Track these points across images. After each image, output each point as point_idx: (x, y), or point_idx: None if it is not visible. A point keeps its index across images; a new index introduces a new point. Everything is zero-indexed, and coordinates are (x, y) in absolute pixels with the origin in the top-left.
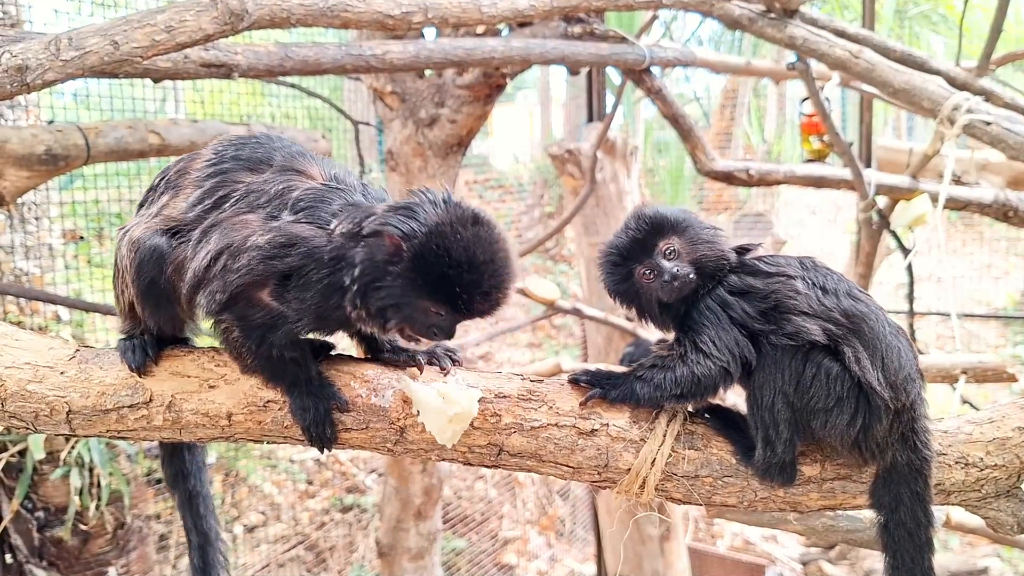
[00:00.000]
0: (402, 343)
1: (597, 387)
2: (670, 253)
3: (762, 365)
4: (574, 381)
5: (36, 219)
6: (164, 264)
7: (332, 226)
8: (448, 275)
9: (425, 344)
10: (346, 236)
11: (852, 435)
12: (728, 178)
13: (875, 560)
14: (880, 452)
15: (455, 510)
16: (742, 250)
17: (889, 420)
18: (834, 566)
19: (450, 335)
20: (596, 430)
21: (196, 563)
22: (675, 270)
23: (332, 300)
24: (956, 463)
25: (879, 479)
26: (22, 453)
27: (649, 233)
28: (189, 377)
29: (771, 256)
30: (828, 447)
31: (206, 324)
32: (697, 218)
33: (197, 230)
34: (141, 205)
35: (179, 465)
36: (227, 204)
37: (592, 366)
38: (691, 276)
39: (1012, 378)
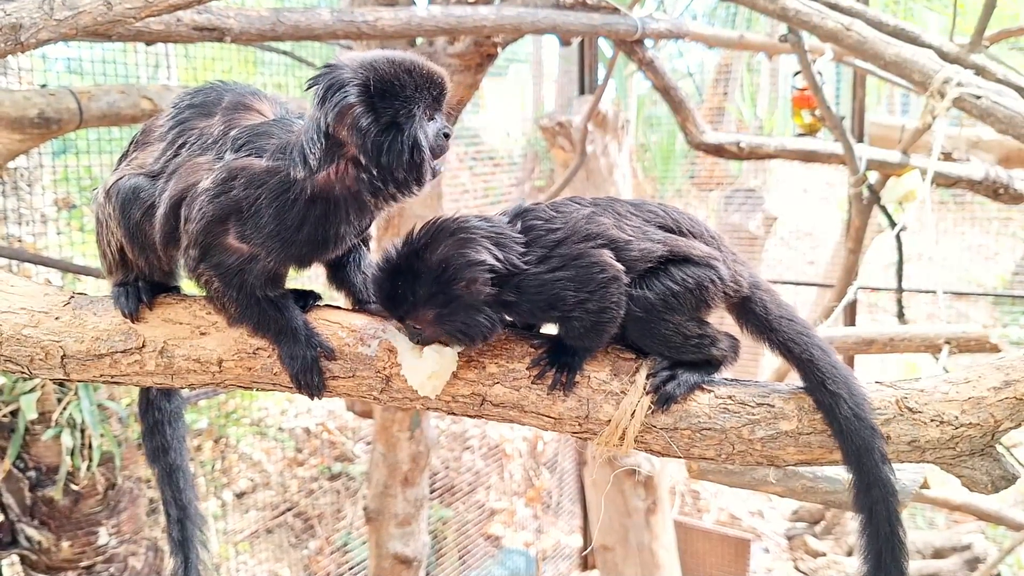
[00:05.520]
0: None
1: (555, 369)
2: (415, 330)
3: (637, 326)
4: (538, 375)
5: (29, 186)
6: (143, 203)
7: (290, 150)
8: (414, 79)
9: None
10: (315, 147)
11: (720, 290)
12: (719, 151)
13: None
14: (736, 283)
15: (442, 480)
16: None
17: (722, 259)
18: (819, 540)
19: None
20: (577, 382)
21: (175, 536)
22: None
23: (287, 218)
24: (931, 421)
25: (740, 312)
26: (14, 413)
27: (393, 304)
28: (181, 324)
29: (555, 208)
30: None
31: (189, 281)
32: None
33: (162, 179)
34: (116, 170)
35: (160, 439)
36: (183, 151)
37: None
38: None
39: (995, 348)
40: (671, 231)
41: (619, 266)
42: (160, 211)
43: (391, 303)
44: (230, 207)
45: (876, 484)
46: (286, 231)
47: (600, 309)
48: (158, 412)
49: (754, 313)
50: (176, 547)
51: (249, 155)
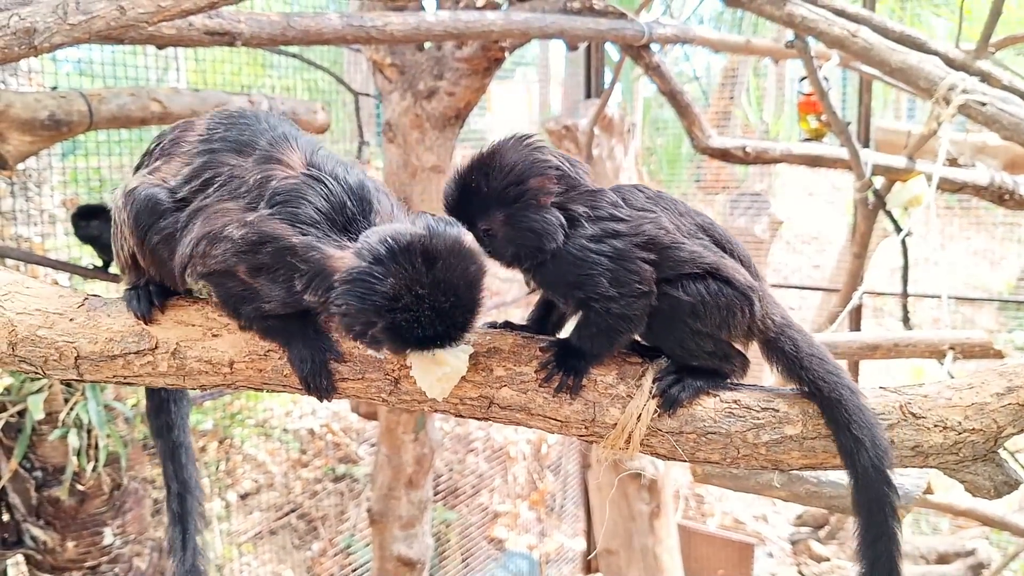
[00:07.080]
0: None
1: (562, 373)
2: (487, 235)
3: (658, 321)
4: (545, 378)
5: (37, 186)
6: (159, 217)
7: (296, 283)
8: (423, 335)
9: None
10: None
11: (746, 324)
12: (725, 155)
13: None
14: (764, 324)
15: (446, 482)
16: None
17: (759, 296)
18: (823, 545)
19: None
20: (584, 385)
21: (175, 509)
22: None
23: (293, 299)
24: (935, 426)
25: (770, 349)
26: (21, 413)
27: (463, 209)
28: (193, 326)
29: (625, 201)
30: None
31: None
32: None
33: (185, 212)
34: (137, 168)
35: (165, 417)
36: (211, 188)
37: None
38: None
39: (999, 354)
40: (723, 251)
41: (654, 288)
42: (181, 250)
43: (460, 207)
44: (253, 264)
45: (883, 537)
46: (292, 303)
47: (621, 315)
48: (164, 391)
49: (784, 352)
50: (175, 519)
51: (283, 219)
